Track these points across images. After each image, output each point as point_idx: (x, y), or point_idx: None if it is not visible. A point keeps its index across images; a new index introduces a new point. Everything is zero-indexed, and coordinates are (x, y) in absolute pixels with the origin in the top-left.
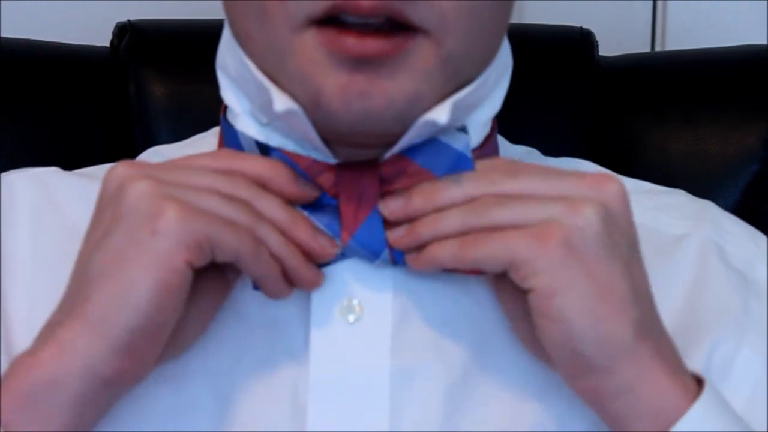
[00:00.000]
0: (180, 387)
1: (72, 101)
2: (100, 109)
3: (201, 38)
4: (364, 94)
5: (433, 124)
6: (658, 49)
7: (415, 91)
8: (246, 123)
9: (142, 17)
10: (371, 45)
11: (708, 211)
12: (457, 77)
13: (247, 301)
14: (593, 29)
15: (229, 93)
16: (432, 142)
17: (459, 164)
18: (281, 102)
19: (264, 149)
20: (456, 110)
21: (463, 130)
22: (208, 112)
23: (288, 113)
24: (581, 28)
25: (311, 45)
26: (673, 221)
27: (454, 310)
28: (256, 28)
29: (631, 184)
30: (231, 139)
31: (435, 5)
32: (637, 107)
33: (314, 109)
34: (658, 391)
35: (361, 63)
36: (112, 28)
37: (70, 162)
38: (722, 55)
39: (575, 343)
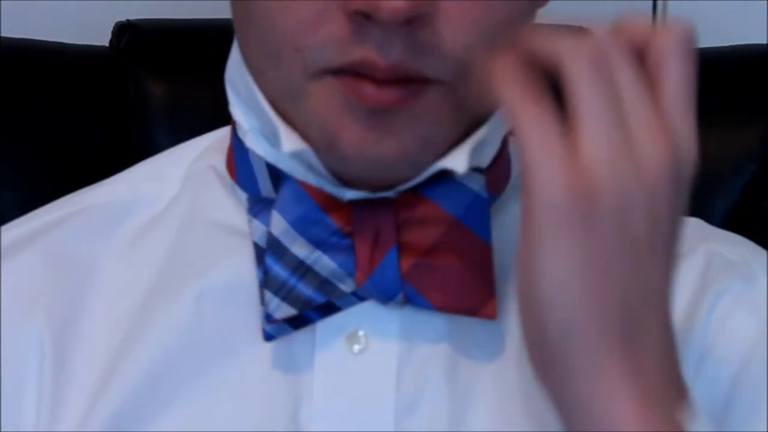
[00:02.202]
0: (177, 405)
1: (71, 101)
2: (99, 109)
3: (201, 38)
4: (378, 143)
5: (450, 171)
6: None
7: (428, 137)
8: (254, 140)
9: (142, 17)
10: (388, 95)
11: (705, 228)
12: (471, 118)
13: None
14: (593, 29)
15: (237, 110)
16: (447, 182)
17: (475, 205)
18: (289, 143)
19: (275, 174)
20: (472, 151)
21: (478, 170)
22: (207, 112)
23: (297, 154)
24: (580, 27)
25: (328, 90)
26: (728, 248)
27: (459, 348)
28: (270, 69)
29: None
30: (241, 156)
31: (452, 58)
32: None
33: (328, 152)
34: (612, 419)
35: (377, 112)
36: (110, 28)
37: (68, 162)
38: (720, 54)
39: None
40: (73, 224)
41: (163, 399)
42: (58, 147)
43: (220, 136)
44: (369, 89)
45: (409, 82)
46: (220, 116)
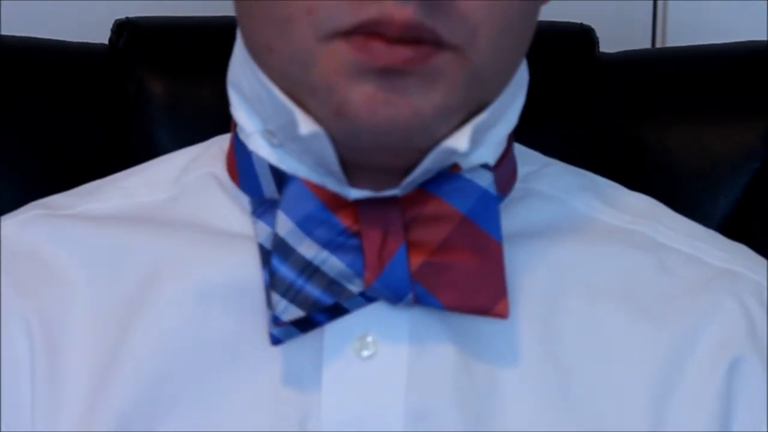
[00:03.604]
0: (180, 412)
1: (70, 100)
2: (98, 108)
3: (200, 36)
4: (390, 103)
5: (453, 151)
6: (658, 46)
7: (443, 105)
8: (258, 143)
9: (141, 14)
10: (400, 53)
11: (743, 249)
12: (480, 95)
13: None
14: (594, 27)
15: (240, 112)
16: (455, 177)
17: (483, 201)
18: (306, 125)
19: (279, 175)
20: (475, 134)
21: (486, 166)
22: (207, 110)
23: (312, 137)
24: (582, 24)
25: (337, 53)
26: (713, 251)
27: (469, 352)
28: (279, 40)
29: (647, 198)
30: (243, 159)
31: (467, 21)
32: (637, 104)
33: (337, 121)
34: None
35: (388, 73)
36: (109, 26)
37: (67, 161)
38: (723, 51)
39: None
40: (66, 229)
41: (165, 404)
42: (57, 146)
43: (213, 144)
44: (379, 47)
45: (421, 43)
46: (221, 114)
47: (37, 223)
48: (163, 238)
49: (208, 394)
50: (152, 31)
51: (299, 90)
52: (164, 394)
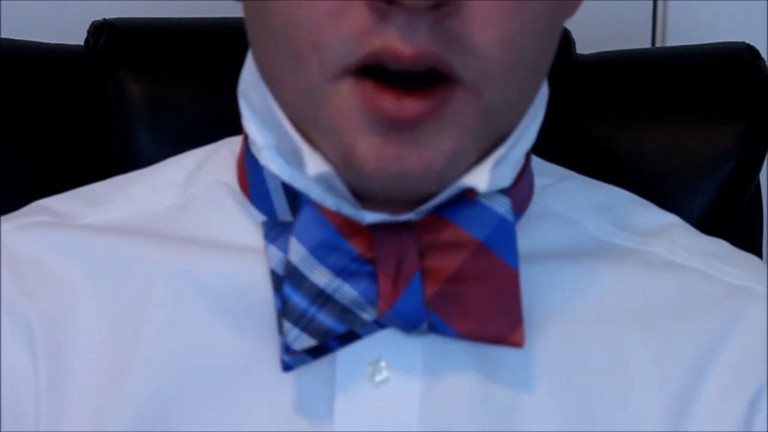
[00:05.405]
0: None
1: (47, 101)
2: (76, 109)
3: (181, 37)
4: (400, 158)
5: (471, 188)
6: (658, 46)
7: (455, 150)
8: (269, 158)
9: (118, 15)
10: (409, 107)
11: (759, 264)
12: (496, 130)
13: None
14: (594, 27)
15: (251, 124)
16: (472, 204)
17: (501, 228)
18: (314, 165)
19: (291, 194)
20: (494, 166)
21: (504, 192)
22: (188, 112)
23: (320, 177)
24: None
25: (346, 96)
26: (728, 269)
27: (485, 376)
28: (288, 74)
29: (669, 217)
30: (255, 174)
31: (479, 54)
32: (613, 104)
33: (346, 168)
34: None
35: (397, 126)
36: (83, 26)
37: (46, 164)
38: (698, 52)
39: None
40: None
41: (173, 423)
42: (35, 150)
43: (223, 147)
44: (387, 101)
45: (432, 88)
46: (202, 116)
47: (42, 233)
48: (174, 251)
49: (217, 415)
50: (130, 32)
51: (309, 127)
52: (172, 413)
